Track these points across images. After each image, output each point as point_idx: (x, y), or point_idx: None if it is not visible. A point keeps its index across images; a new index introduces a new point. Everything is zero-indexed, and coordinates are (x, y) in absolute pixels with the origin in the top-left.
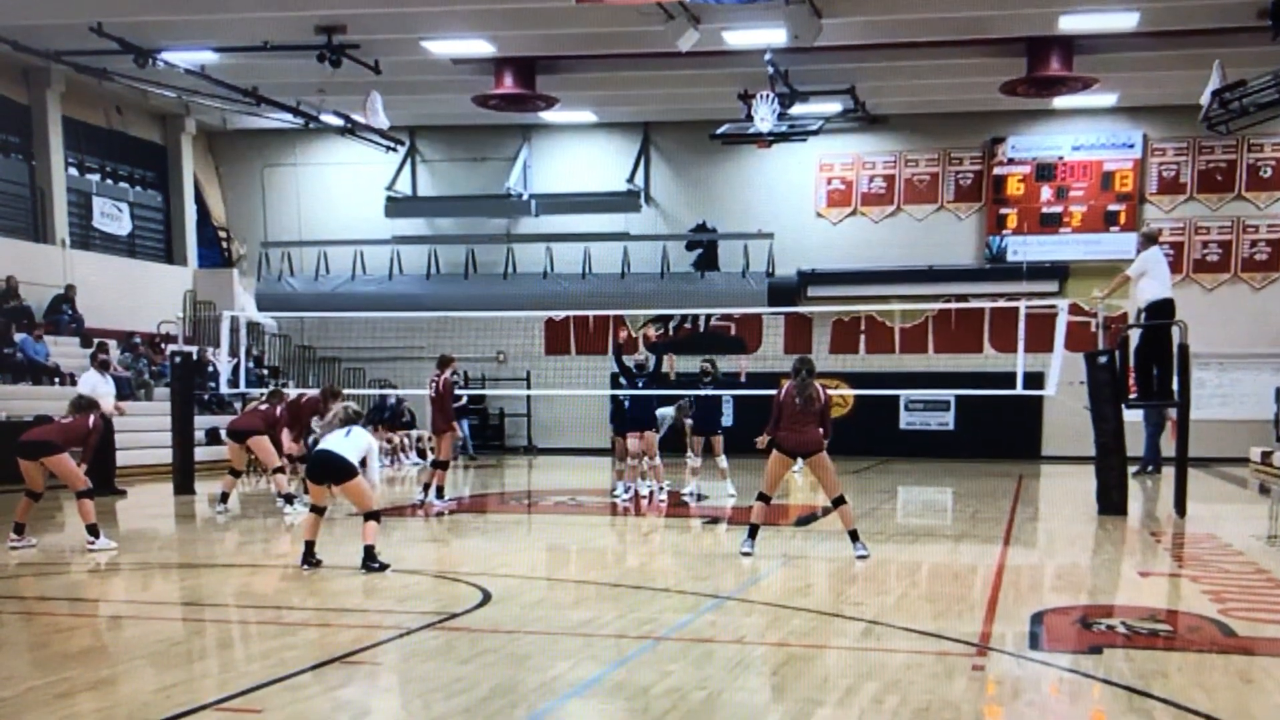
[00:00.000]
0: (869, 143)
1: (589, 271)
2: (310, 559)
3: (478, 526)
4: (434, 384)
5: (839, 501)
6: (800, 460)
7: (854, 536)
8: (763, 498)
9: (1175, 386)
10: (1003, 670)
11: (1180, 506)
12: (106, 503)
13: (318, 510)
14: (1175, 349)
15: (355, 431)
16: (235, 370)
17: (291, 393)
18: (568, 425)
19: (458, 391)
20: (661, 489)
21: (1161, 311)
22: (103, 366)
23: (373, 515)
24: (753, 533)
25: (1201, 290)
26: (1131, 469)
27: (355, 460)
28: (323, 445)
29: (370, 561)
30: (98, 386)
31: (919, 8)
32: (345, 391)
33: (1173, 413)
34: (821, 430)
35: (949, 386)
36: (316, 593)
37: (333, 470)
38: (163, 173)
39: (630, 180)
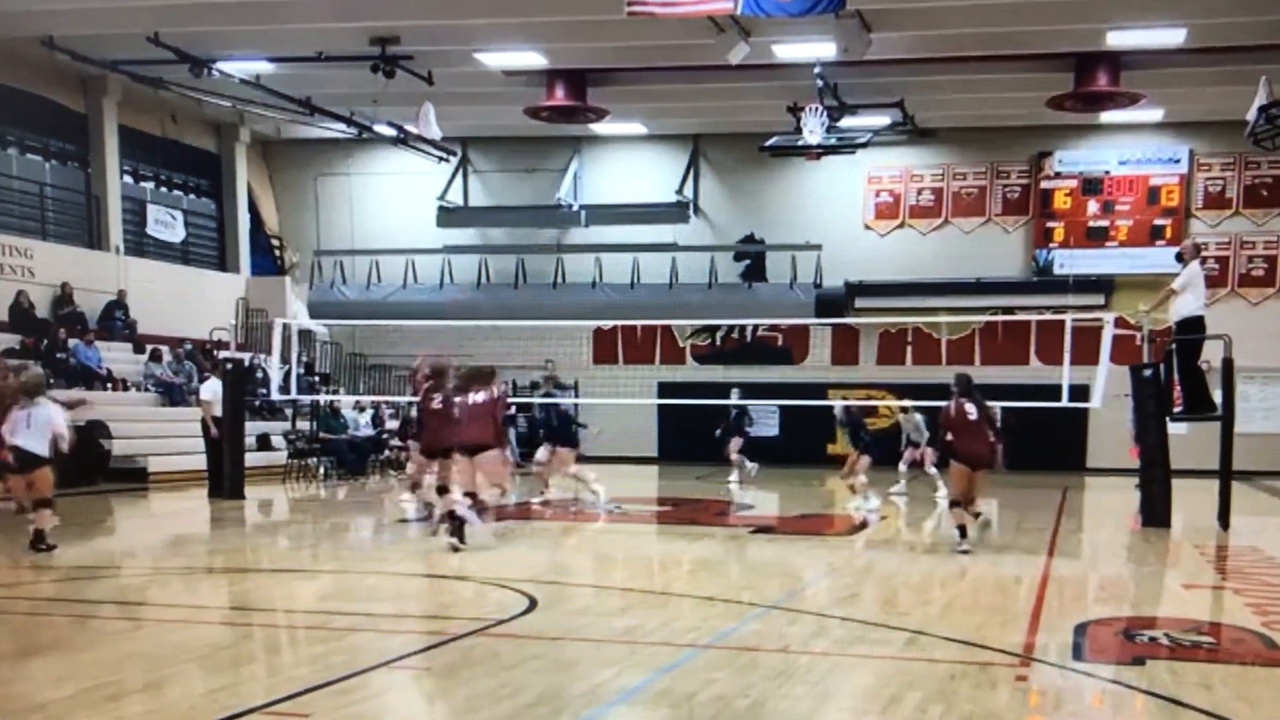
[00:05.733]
0: (917, 156)
1: (637, 281)
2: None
3: (525, 533)
4: None
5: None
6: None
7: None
8: (957, 503)
9: (1219, 399)
10: (1046, 681)
11: (1224, 519)
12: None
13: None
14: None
15: (39, 412)
16: (286, 377)
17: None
18: (614, 433)
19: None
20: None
21: (1192, 328)
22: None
23: (46, 502)
24: (963, 533)
25: (1246, 305)
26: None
27: (45, 449)
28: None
29: (39, 543)
30: (219, 392)
31: (967, 23)
32: (389, 399)
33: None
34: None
35: (995, 398)
36: (364, 598)
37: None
38: (217, 181)
39: (679, 191)
